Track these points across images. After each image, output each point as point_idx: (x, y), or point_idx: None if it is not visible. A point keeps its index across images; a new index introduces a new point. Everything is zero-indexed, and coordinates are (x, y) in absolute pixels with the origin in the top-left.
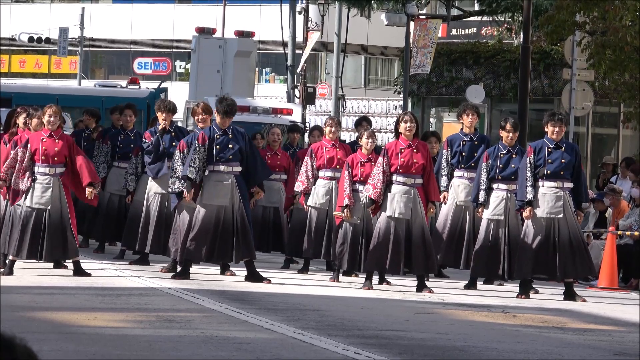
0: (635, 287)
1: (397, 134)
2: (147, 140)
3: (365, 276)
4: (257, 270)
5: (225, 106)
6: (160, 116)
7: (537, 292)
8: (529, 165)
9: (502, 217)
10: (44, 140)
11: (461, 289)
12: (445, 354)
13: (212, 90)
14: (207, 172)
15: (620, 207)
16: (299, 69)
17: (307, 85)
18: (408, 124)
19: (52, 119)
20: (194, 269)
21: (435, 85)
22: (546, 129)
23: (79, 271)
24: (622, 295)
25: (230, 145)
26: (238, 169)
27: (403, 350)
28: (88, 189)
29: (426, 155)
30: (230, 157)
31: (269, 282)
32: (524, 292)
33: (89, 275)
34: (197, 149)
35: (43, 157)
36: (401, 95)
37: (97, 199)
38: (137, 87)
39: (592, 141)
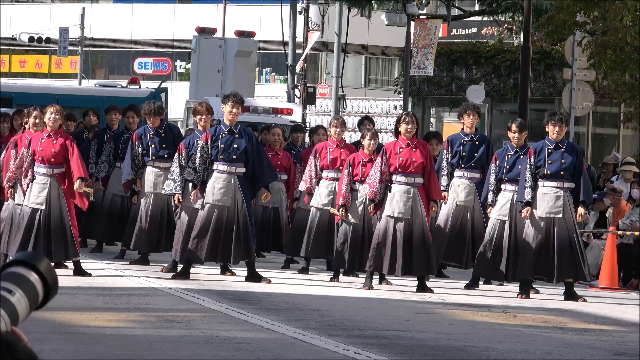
0: (636, 287)
1: (397, 133)
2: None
3: (365, 276)
4: (258, 270)
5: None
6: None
7: (537, 292)
8: (529, 166)
9: (507, 218)
10: (42, 140)
11: (461, 288)
12: (445, 354)
13: (213, 90)
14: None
15: (620, 207)
16: (297, 68)
17: (308, 85)
18: (409, 126)
19: (53, 116)
20: (195, 269)
21: (436, 85)
22: (547, 129)
23: (79, 271)
24: (622, 295)
25: (235, 145)
26: (242, 169)
27: (403, 350)
28: (77, 183)
29: (426, 154)
30: (235, 157)
31: (269, 281)
32: (524, 292)
33: (89, 275)
34: (200, 148)
35: (40, 158)
36: (401, 95)
37: (86, 202)
38: (138, 87)
39: (593, 141)
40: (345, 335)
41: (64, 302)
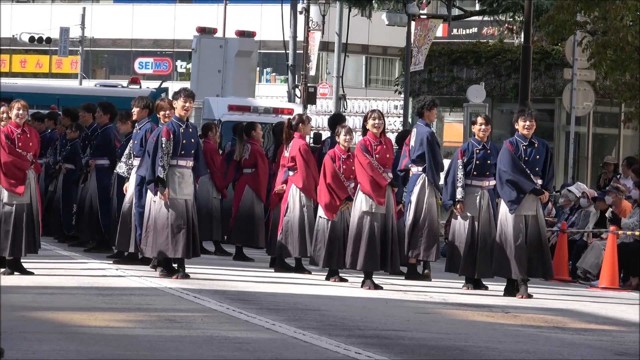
0: (636, 287)
1: (365, 130)
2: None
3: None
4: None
5: (188, 91)
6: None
7: (486, 288)
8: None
9: (475, 214)
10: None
11: (461, 288)
12: (446, 354)
13: (213, 90)
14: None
15: (621, 207)
16: (312, 72)
17: (308, 85)
18: (376, 121)
19: (20, 112)
20: (195, 269)
21: (436, 85)
22: (516, 125)
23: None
24: (622, 295)
25: (192, 140)
26: (191, 163)
27: (404, 350)
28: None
29: (392, 149)
30: (193, 151)
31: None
32: (524, 292)
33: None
34: (164, 145)
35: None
36: (402, 95)
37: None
38: (138, 87)
39: (593, 141)
40: (345, 335)
41: (64, 302)
